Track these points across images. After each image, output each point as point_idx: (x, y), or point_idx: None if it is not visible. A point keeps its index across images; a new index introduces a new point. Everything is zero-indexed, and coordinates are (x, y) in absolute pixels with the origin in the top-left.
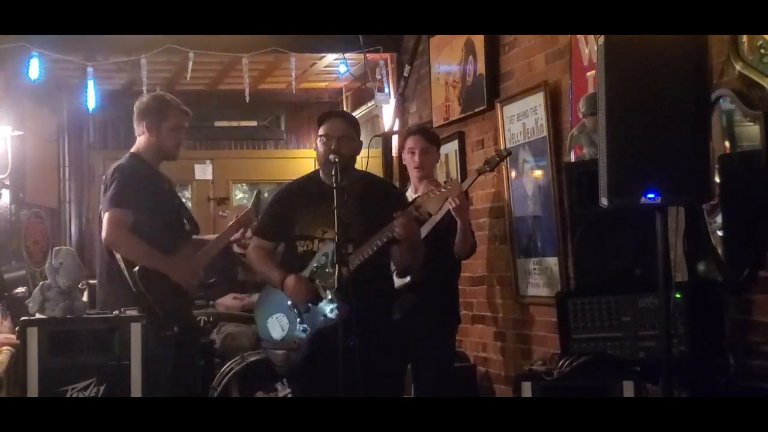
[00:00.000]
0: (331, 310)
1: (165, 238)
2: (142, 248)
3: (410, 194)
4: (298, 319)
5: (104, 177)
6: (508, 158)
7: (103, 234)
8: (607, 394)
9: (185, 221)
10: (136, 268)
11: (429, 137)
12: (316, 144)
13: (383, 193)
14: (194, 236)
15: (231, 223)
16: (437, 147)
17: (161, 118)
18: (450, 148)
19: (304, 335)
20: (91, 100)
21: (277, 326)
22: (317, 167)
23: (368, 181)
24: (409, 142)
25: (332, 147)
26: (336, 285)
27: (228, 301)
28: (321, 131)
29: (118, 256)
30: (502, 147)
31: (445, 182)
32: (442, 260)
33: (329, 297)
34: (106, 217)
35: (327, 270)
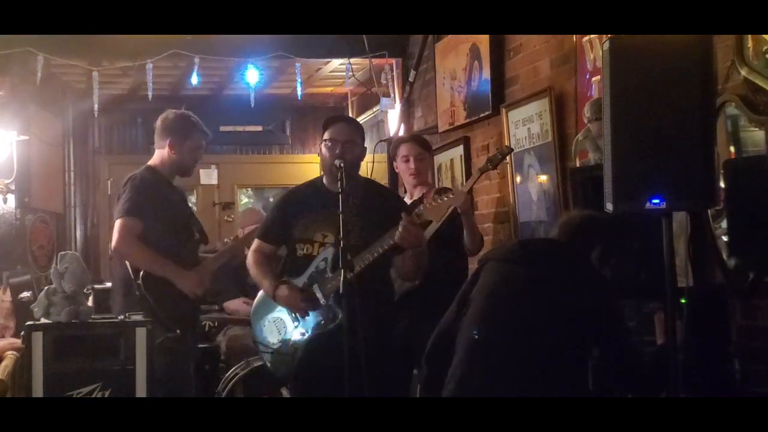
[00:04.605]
0: (331, 316)
1: (174, 247)
2: (149, 256)
3: (406, 201)
4: (295, 323)
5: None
6: (513, 163)
7: (113, 242)
8: None
9: (195, 231)
10: (140, 273)
11: (422, 144)
12: (321, 148)
13: (385, 201)
14: (200, 252)
15: (239, 238)
16: (430, 153)
17: (185, 137)
18: (455, 153)
19: (302, 338)
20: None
21: (273, 329)
22: (322, 173)
23: (370, 188)
24: (403, 150)
25: (337, 152)
26: (341, 290)
27: (236, 305)
28: (326, 135)
29: (127, 263)
30: None
31: (449, 190)
32: (446, 265)
33: (328, 302)
34: (116, 225)
35: (327, 275)
